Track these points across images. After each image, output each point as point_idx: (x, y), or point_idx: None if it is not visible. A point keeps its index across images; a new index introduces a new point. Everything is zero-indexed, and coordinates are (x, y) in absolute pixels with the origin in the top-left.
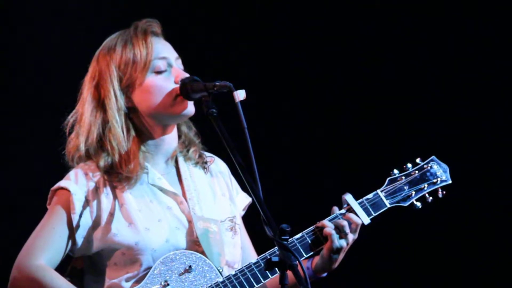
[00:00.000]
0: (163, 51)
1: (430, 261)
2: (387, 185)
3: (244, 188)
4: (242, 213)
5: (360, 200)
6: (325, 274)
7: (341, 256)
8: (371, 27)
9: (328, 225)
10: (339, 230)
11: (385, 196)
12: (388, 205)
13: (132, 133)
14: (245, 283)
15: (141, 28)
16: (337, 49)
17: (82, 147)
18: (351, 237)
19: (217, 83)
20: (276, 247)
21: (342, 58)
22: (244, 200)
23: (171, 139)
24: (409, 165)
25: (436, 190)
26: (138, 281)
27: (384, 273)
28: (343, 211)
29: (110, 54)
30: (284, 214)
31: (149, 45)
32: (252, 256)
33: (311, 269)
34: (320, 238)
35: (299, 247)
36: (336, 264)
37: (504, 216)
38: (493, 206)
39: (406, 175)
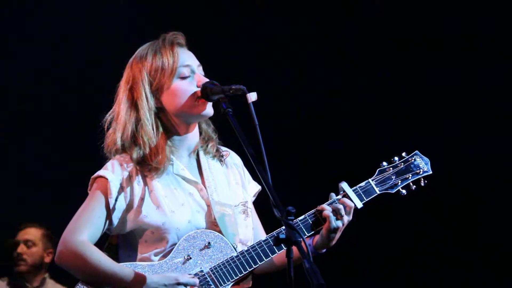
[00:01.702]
0: (187, 60)
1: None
2: (377, 175)
3: (255, 176)
4: (253, 199)
5: (354, 188)
6: (324, 250)
7: (338, 235)
8: (370, 28)
9: (326, 208)
10: (336, 212)
11: (375, 184)
12: (378, 192)
13: (161, 130)
14: (255, 257)
15: (169, 39)
16: (339, 50)
17: (119, 142)
18: (346, 218)
19: (233, 87)
20: (283, 226)
21: (344, 60)
22: (254, 188)
23: (193, 136)
24: (396, 158)
25: (419, 180)
26: (165, 256)
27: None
28: (339, 196)
29: (142, 62)
30: (289, 199)
31: (175, 54)
32: (262, 235)
33: (312, 246)
34: (319, 219)
35: (302, 227)
36: (334, 242)
37: (475, 202)
38: (469, 193)
39: (394, 167)
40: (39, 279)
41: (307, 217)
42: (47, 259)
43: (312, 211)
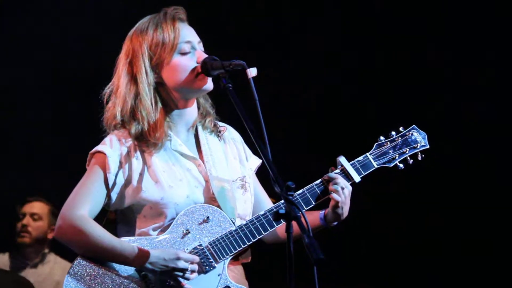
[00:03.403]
0: (188, 36)
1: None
2: (374, 149)
3: (255, 151)
4: (254, 171)
5: (352, 162)
6: (335, 223)
7: (346, 208)
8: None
9: (331, 188)
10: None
11: (373, 159)
12: (376, 166)
13: (159, 105)
14: (254, 231)
15: (170, 14)
16: (337, 26)
17: (119, 116)
18: (347, 191)
19: (233, 62)
20: (282, 201)
21: (342, 34)
22: (255, 161)
23: (192, 111)
24: (393, 132)
25: (416, 154)
26: (163, 230)
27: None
28: (337, 171)
29: (142, 35)
30: (287, 173)
31: (176, 30)
32: (268, 205)
33: (324, 220)
34: (318, 193)
35: (300, 201)
36: (344, 215)
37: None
38: (463, 167)
39: (391, 141)
40: (39, 255)
41: (306, 191)
42: (50, 236)
43: (310, 185)
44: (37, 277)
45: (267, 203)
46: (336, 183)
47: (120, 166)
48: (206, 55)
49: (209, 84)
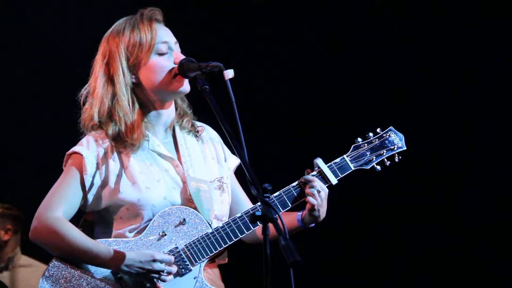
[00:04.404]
0: (165, 36)
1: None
2: (352, 151)
3: (233, 153)
4: (233, 171)
5: (329, 164)
6: (313, 225)
7: (323, 210)
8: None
9: (308, 192)
10: (314, 191)
11: (350, 160)
12: (353, 168)
13: (137, 106)
14: (230, 233)
15: (146, 15)
16: (318, 29)
17: (96, 117)
18: (324, 193)
19: (210, 64)
20: (259, 203)
21: (321, 37)
22: (234, 161)
23: (169, 112)
24: (371, 134)
25: (393, 156)
26: (140, 232)
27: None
28: (314, 173)
29: (119, 36)
30: (264, 175)
31: (153, 30)
32: (248, 206)
33: (301, 222)
34: (295, 195)
35: (277, 203)
36: (321, 217)
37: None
38: (440, 168)
39: (368, 143)
40: (4, 259)
41: (282, 194)
42: (6, 237)
43: (287, 187)
44: (6, 282)
45: (246, 203)
46: (312, 186)
47: (97, 167)
48: (183, 56)
49: (186, 86)
